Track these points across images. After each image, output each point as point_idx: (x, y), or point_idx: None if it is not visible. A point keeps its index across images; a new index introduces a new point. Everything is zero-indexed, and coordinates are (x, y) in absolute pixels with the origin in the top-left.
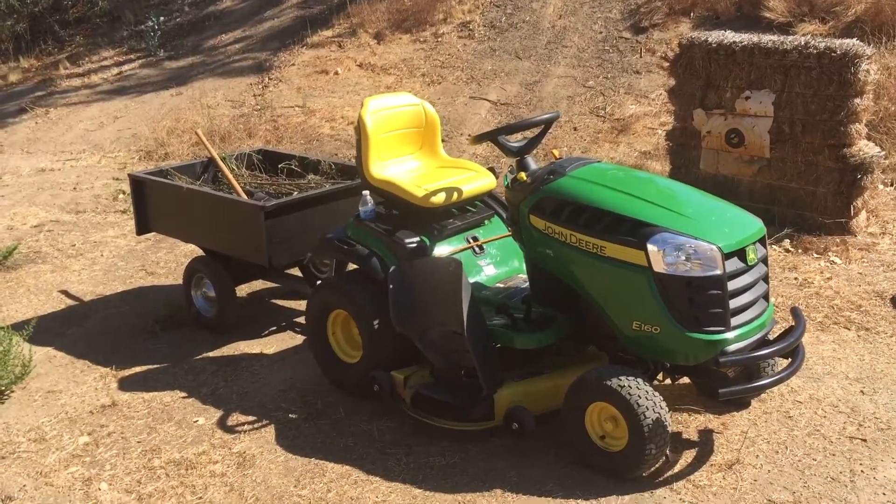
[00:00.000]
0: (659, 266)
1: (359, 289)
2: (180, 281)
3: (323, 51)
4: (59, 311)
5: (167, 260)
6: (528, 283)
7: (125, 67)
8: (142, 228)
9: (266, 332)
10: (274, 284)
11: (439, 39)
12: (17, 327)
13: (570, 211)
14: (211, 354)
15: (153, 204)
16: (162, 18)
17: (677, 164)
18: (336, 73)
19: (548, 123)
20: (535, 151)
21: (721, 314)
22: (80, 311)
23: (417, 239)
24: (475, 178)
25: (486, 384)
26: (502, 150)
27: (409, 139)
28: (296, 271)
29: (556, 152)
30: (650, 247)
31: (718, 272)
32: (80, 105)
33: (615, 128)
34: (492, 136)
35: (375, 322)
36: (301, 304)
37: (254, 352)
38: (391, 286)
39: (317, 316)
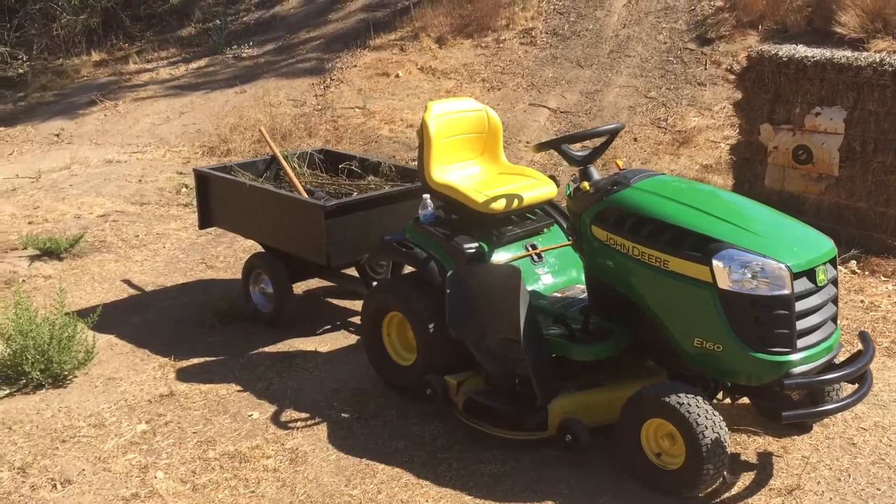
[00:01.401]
0: (724, 283)
1: (416, 292)
2: (238, 275)
3: (385, 53)
4: (122, 300)
5: (226, 254)
6: (585, 294)
7: (192, 64)
8: (204, 223)
9: (321, 329)
10: (330, 283)
11: (501, 45)
12: (82, 314)
13: (633, 223)
14: (266, 350)
15: (216, 199)
16: (229, 17)
17: (741, 179)
18: (397, 75)
19: (612, 134)
20: (597, 162)
21: (787, 335)
22: (141, 300)
23: (476, 244)
24: (536, 186)
25: (541, 394)
26: (565, 158)
27: (471, 144)
28: (352, 271)
29: (619, 163)
30: (715, 263)
31: (786, 292)
32: (148, 99)
33: (676, 140)
34: (555, 145)
35: (431, 326)
36: (356, 304)
37: (308, 349)
38: (448, 291)
39: (372, 317)
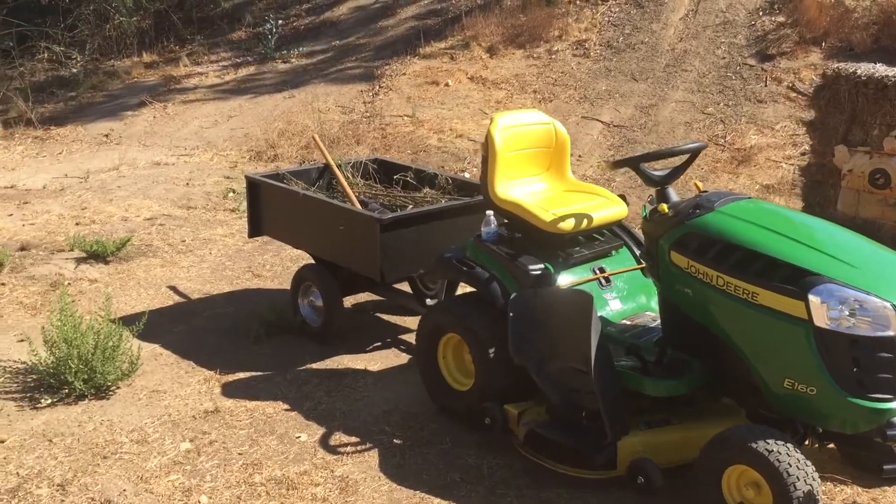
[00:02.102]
0: (820, 320)
1: (475, 313)
2: (285, 285)
3: (435, 62)
4: (167, 308)
5: (273, 263)
6: (657, 322)
7: (241, 68)
8: (254, 231)
9: (370, 346)
10: (380, 297)
11: (553, 56)
12: (127, 321)
13: (718, 250)
14: (314, 366)
15: (267, 207)
16: (280, 22)
17: (811, 203)
18: (447, 84)
19: (695, 153)
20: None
21: (891, 381)
22: (187, 308)
23: (542, 266)
24: (606, 206)
25: (611, 430)
26: (642, 178)
27: (537, 159)
28: (404, 286)
29: (699, 184)
30: (812, 298)
31: (891, 333)
32: (197, 102)
33: (735, 158)
34: (633, 163)
35: (491, 350)
36: (407, 321)
37: (358, 367)
38: (511, 314)
39: (428, 337)
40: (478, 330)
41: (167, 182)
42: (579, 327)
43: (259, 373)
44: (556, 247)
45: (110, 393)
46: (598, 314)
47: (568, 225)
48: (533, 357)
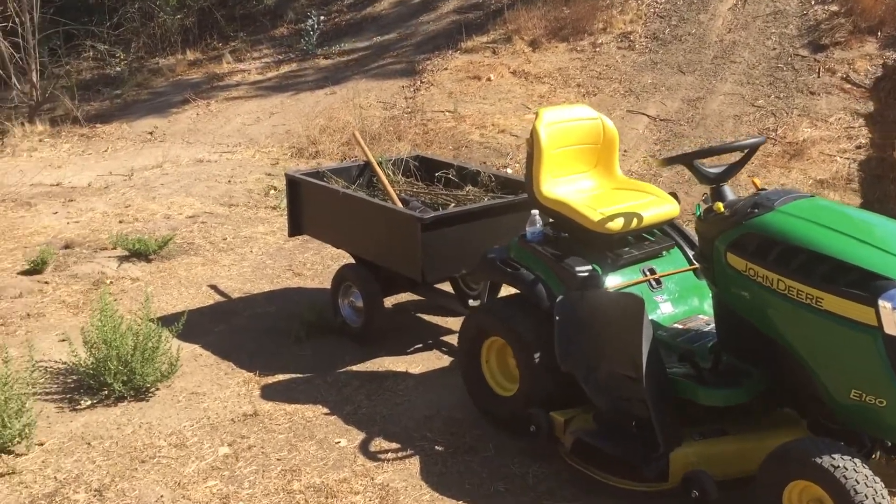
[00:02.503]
0: (892, 328)
1: (520, 316)
2: (326, 284)
3: (476, 56)
4: (208, 307)
5: (314, 261)
6: (711, 327)
7: (283, 64)
8: (294, 230)
9: (412, 348)
10: (421, 297)
11: (597, 49)
12: (167, 321)
13: (779, 252)
14: (355, 368)
15: (307, 206)
16: (322, 18)
17: (869, 199)
18: (489, 79)
19: (752, 149)
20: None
21: None
22: (227, 308)
23: (589, 267)
24: (656, 204)
25: (663, 440)
26: (696, 175)
27: (584, 156)
28: (446, 286)
29: (756, 181)
30: (882, 303)
31: None
32: (239, 99)
33: (787, 152)
34: (686, 160)
35: (536, 355)
36: (449, 322)
37: (398, 369)
38: (557, 317)
39: (470, 341)
40: (522, 333)
41: (209, 179)
42: (629, 332)
43: (299, 374)
44: (605, 247)
45: (149, 395)
46: (649, 318)
47: (617, 224)
48: (580, 363)
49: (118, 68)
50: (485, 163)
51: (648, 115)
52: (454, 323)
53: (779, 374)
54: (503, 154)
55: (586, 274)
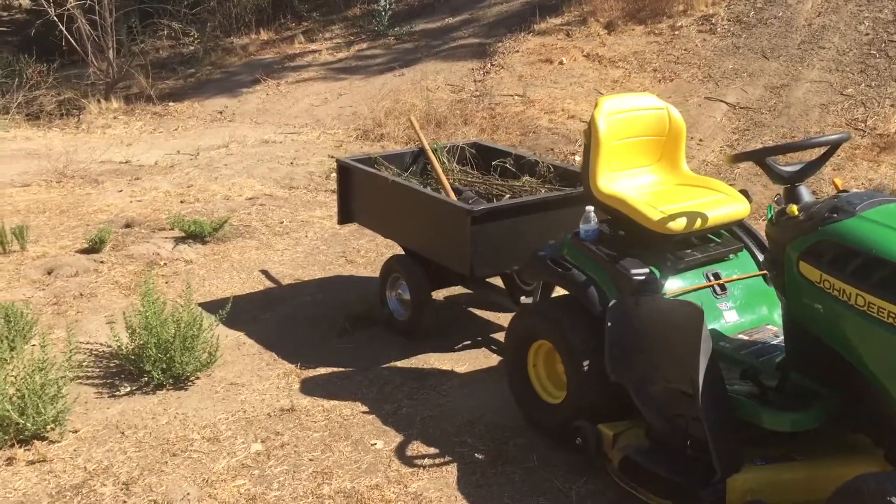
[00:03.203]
0: None
1: (570, 320)
2: (377, 274)
3: (549, 39)
4: (257, 293)
5: (367, 248)
6: (779, 340)
7: (354, 45)
8: (344, 218)
9: (459, 345)
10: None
11: (676, 33)
12: (216, 306)
13: (860, 264)
14: (398, 364)
15: (357, 193)
16: None
17: None
18: (561, 62)
19: (834, 146)
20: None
21: None
22: (276, 294)
23: (647, 270)
24: (724, 203)
25: (721, 465)
26: (769, 174)
27: (647, 148)
28: (497, 281)
29: (838, 182)
30: None
31: None
32: (309, 80)
33: (877, 144)
34: (759, 157)
35: (586, 363)
36: (501, 318)
37: (444, 367)
38: (609, 324)
39: (517, 343)
40: (572, 338)
41: (272, 161)
42: (686, 344)
43: (340, 368)
44: (665, 248)
45: (189, 384)
46: (711, 326)
47: (679, 224)
48: (632, 374)
49: (192, 47)
50: (552, 150)
51: (727, 103)
52: (506, 320)
53: (852, 397)
54: (572, 141)
55: (643, 277)
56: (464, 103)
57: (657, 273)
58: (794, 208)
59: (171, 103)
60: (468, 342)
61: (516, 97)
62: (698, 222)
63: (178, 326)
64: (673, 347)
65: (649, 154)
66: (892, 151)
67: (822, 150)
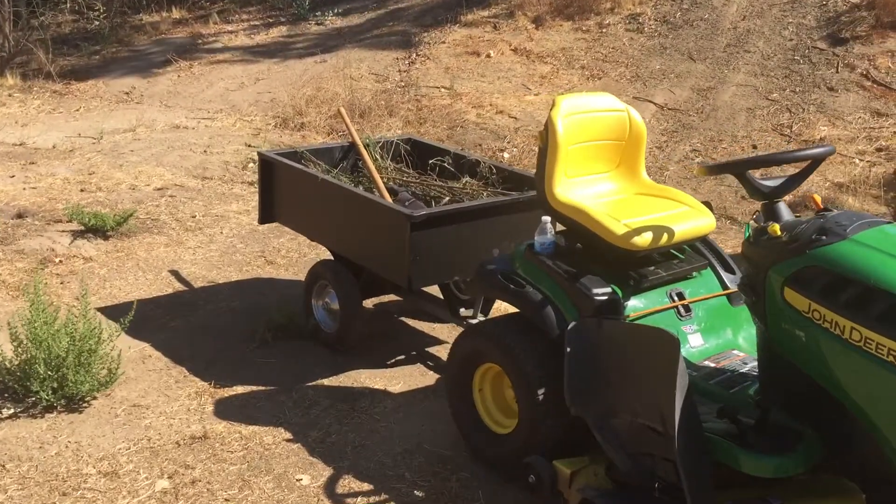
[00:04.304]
0: None
1: (523, 343)
2: (301, 276)
3: (476, 31)
4: (165, 297)
5: (289, 248)
6: (749, 367)
7: (273, 29)
8: (265, 217)
9: (392, 360)
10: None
11: (604, 30)
12: (117, 311)
13: (856, 294)
14: (325, 382)
15: (281, 191)
16: None
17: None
18: (488, 55)
19: (817, 160)
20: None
21: None
22: (187, 299)
23: (609, 289)
24: (690, 216)
25: None
26: (747, 188)
27: (605, 153)
28: (433, 289)
29: (817, 199)
30: None
31: None
32: (224, 63)
33: None
34: (738, 170)
35: (541, 391)
36: (435, 329)
37: (376, 386)
38: (568, 349)
39: (461, 365)
40: (525, 364)
41: (183, 148)
42: (659, 378)
43: (261, 387)
44: (627, 265)
45: (84, 405)
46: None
47: (644, 240)
48: (594, 406)
49: (98, 23)
50: (480, 145)
51: (655, 104)
52: (442, 330)
53: (838, 437)
54: (500, 137)
55: (605, 297)
56: (388, 94)
57: (619, 292)
58: (777, 227)
59: (73, 82)
60: (402, 356)
61: (443, 89)
62: (665, 237)
63: (72, 339)
64: (642, 379)
65: (608, 160)
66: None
67: (804, 164)
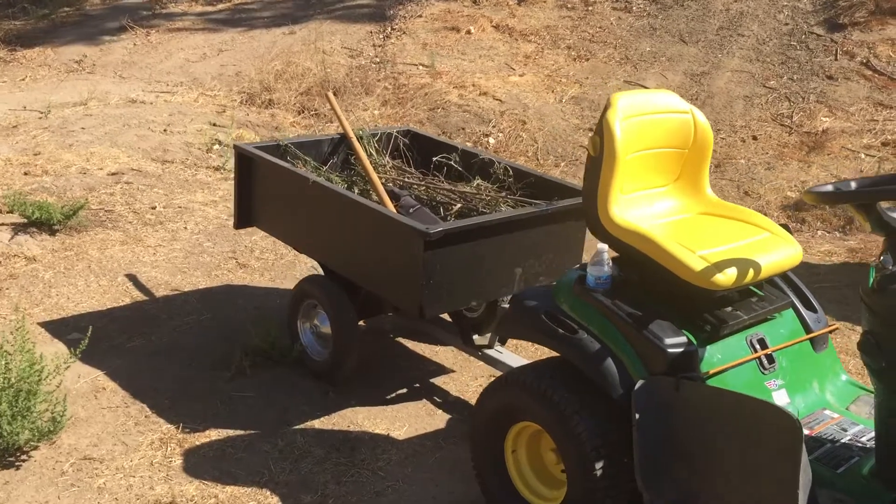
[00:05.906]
0: None
1: (573, 400)
2: (279, 282)
3: (455, 5)
4: (122, 309)
5: (264, 248)
6: (851, 435)
7: None
8: (242, 221)
9: (393, 394)
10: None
11: (590, 8)
12: (64, 327)
13: None
14: (317, 424)
15: (262, 192)
16: None
17: None
18: (468, 32)
19: None
20: None
21: None
22: (148, 312)
23: (684, 339)
24: (774, 245)
25: None
26: (871, 220)
27: (665, 164)
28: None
29: None
30: None
31: None
32: (184, 31)
33: (805, 143)
34: (870, 199)
35: (598, 464)
36: (438, 353)
37: (377, 430)
38: (637, 415)
39: (492, 422)
40: (575, 427)
41: (141, 126)
42: (769, 467)
43: (239, 431)
44: (701, 305)
45: (21, 460)
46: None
47: (729, 279)
48: (671, 488)
49: None
50: (463, 129)
51: (648, 88)
52: (446, 355)
53: None
54: (485, 120)
55: (680, 350)
56: (363, 70)
57: (694, 340)
58: None
59: (18, 48)
60: (403, 390)
61: (421, 67)
62: (750, 273)
63: (6, 379)
64: (749, 466)
65: (667, 171)
66: (822, 151)
67: None
